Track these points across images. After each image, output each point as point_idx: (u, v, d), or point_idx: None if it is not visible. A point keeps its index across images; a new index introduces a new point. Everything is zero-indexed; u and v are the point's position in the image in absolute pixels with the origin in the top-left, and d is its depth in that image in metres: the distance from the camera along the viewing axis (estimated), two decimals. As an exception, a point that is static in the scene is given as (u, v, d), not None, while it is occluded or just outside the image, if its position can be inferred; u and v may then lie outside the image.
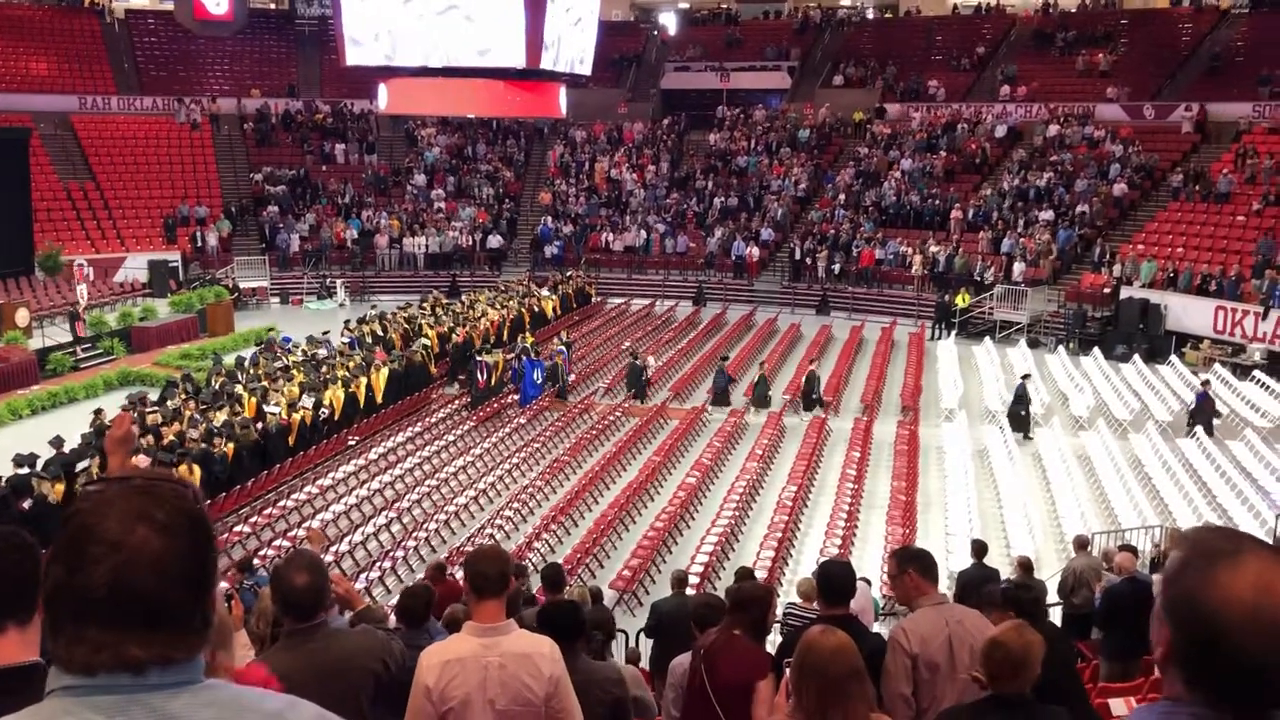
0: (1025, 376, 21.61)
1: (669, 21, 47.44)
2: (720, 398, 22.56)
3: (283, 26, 46.31)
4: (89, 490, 1.47)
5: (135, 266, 31.97)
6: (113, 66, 40.71)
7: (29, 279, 29.92)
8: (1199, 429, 19.47)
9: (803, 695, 3.22)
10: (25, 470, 14.86)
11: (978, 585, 8.19)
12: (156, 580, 1.39)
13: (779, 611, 9.87)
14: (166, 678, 1.41)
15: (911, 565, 4.66)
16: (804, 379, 22.52)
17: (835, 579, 4.86)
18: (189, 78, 41.48)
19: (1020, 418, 20.58)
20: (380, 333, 24.70)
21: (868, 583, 10.71)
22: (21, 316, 25.02)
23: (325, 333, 24.59)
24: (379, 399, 21.13)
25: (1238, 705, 1.34)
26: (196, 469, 15.64)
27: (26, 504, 13.97)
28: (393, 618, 5.17)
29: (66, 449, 16.04)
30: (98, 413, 18.04)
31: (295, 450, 18.24)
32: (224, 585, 9.81)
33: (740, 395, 22.97)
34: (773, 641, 7.19)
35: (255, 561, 12.26)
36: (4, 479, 14.58)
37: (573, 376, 24.09)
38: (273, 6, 47.95)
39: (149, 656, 1.39)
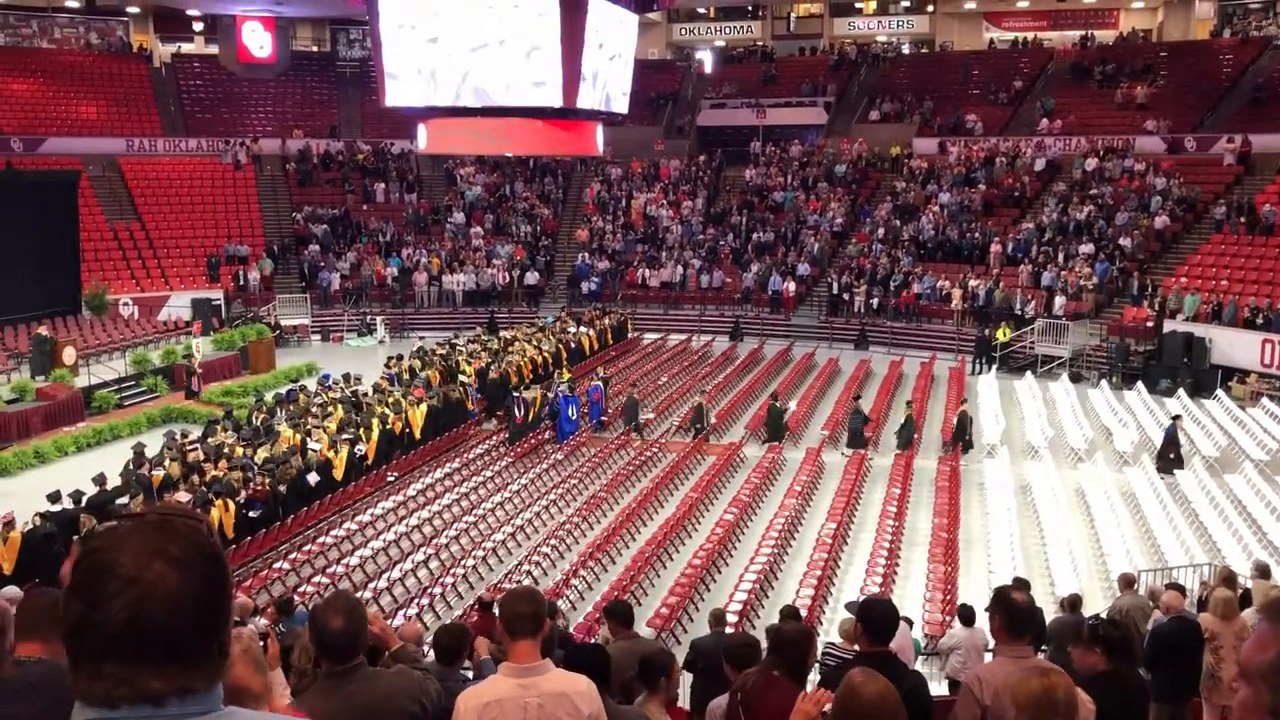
0: (1176, 418, 21.10)
1: (705, 59, 47.79)
2: (855, 439, 21.70)
3: (324, 68, 47.17)
4: (105, 527, 1.50)
5: (179, 305, 32.47)
6: (159, 109, 41.61)
7: (76, 318, 30.45)
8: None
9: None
10: (70, 506, 15.03)
11: (1069, 634, 8.01)
12: (173, 614, 1.41)
13: (818, 651, 9.73)
14: (186, 708, 1.43)
15: (1001, 612, 4.54)
16: (956, 420, 21.91)
17: (878, 617, 4.79)
18: (233, 119, 42.29)
19: (1170, 460, 19.88)
20: (419, 369, 24.85)
21: (909, 623, 10.57)
22: (69, 355, 25.42)
23: (358, 377, 24.38)
24: (417, 435, 21.23)
25: None
26: (231, 505, 15.75)
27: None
28: (430, 655, 5.15)
29: (108, 486, 16.21)
30: (138, 450, 18.23)
31: (334, 487, 18.34)
32: (262, 622, 9.84)
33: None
34: (812, 680, 7.09)
35: (295, 599, 12.27)
36: (46, 516, 14.73)
37: (610, 412, 24.11)
38: (315, 49, 48.85)
39: (168, 689, 1.41)
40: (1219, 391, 24.89)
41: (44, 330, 26.24)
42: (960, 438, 21.37)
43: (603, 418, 23.72)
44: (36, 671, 2.64)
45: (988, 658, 8.88)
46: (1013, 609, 4.48)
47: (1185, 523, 16.70)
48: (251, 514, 16.45)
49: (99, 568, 1.43)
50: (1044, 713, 3.37)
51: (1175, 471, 19.35)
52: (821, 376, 28.07)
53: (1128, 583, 10.91)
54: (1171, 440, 20.09)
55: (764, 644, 5.15)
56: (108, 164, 37.38)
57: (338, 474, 18.50)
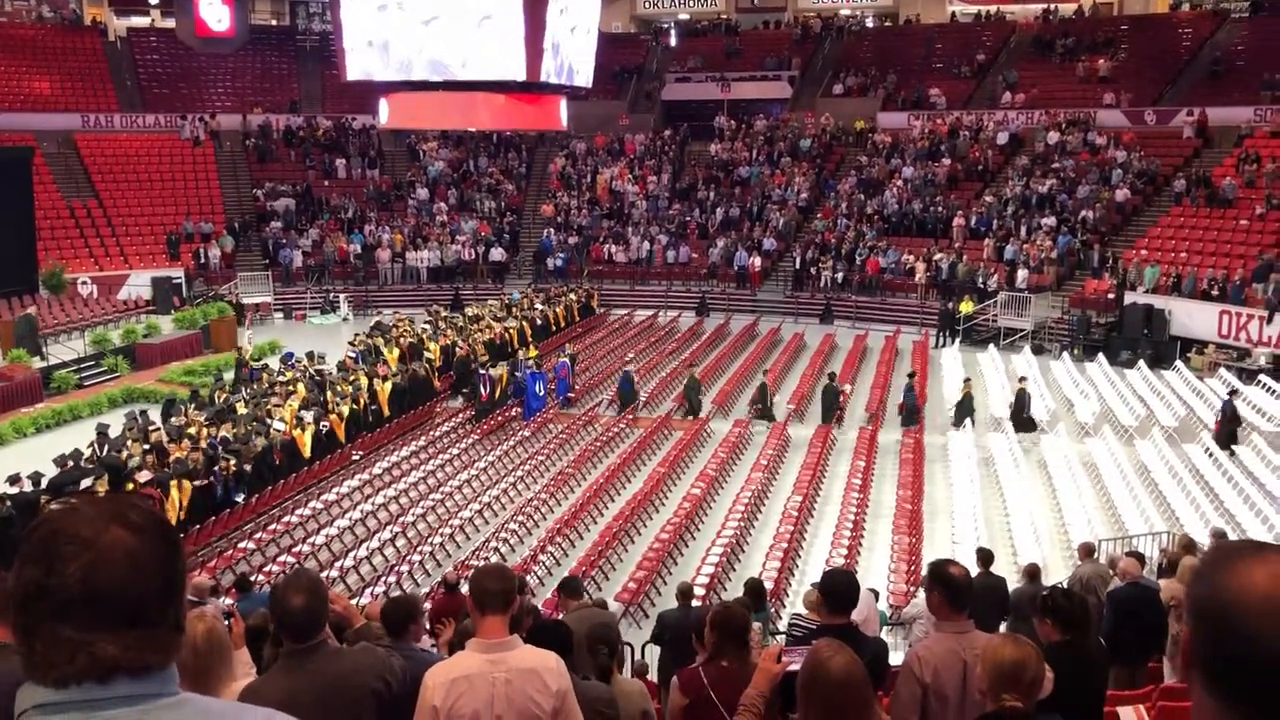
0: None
1: (669, 33, 47.56)
2: (910, 416, 21.52)
3: (284, 43, 46.49)
4: (59, 502, 1.50)
5: (139, 284, 32.03)
6: (115, 84, 40.87)
7: (33, 297, 29.97)
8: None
9: (809, 711, 3.19)
10: (29, 489, 14.84)
11: (1027, 604, 8.09)
12: (131, 576, 1.40)
13: (783, 623, 9.82)
14: (138, 689, 1.41)
15: (939, 587, 4.53)
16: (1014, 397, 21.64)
17: (838, 588, 4.82)
18: (191, 95, 41.63)
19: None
20: (381, 345, 24.68)
21: (875, 594, 10.67)
22: (25, 334, 25.05)
23: (322, 356, 24.19)
24: (385, 411, 21.13)
25: (1257, 706, 1.29)
26: (188, 485, 15.61)
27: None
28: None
29: (69, 466, 16.01)
30: (102, 431, 18.03)
31: (298, 466, 18.22)
32: (226, 601, 9.78)
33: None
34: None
35: (254, 577, 12.20)
36: (6, 499, 14.54)
37: (576, 388, 24.09)
38: (274, 23, 48.14)
39: (123, 656, 1.39)
40: (1178, 362, 25.23)
41: (31, 310, 26.06)
42: (1020, 415, 21.10)
43: (569, 394, 23.70)
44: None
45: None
46: (951, 582, 4.48)
47: (1145, 492, 16.95)
48: (237, 498, 16.43)
49: (54, 533, 1.42)
50: (1012, 683, 3.41)
51: (1137, 441, 19.63)
52: (787, 351, 28.18)
53: (1088, 551, 11.09)
54: (1231, 416, 19.77)
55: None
56: (63, 140, 36.69)
57: (304, 453, 18.38)
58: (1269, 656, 1.28)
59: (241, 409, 19.58)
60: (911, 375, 22.68)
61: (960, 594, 4.49)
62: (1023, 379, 22.08)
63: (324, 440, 19.12)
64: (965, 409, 21.37)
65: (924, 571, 11.80)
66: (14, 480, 14.99)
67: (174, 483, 15.37)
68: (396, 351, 24.27)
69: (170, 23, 44.95)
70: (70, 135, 37.13)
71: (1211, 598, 1.35)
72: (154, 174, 37.32)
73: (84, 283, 31.66)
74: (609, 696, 4.39)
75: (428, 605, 9.92)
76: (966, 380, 22.37)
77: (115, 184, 36.45)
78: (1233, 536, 13.31)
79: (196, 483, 15.94)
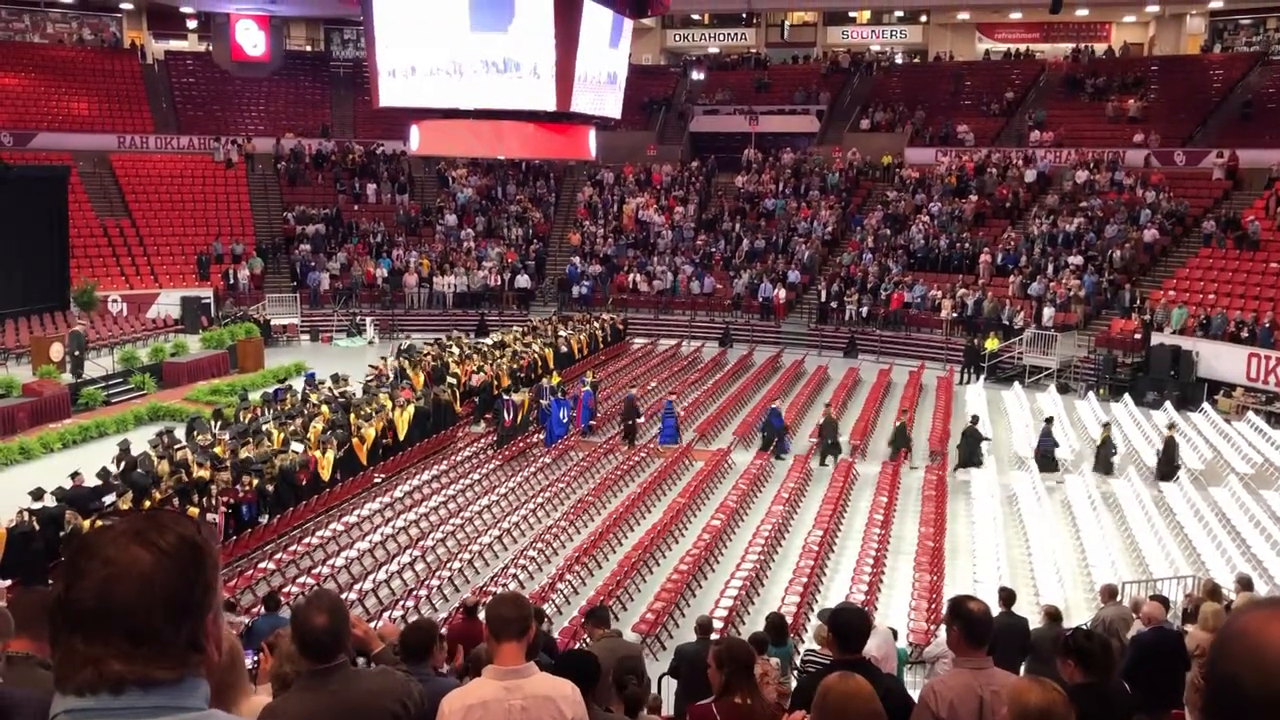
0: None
1: (699, 66, 47.83)
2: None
3: (318, 68, 47.11)
4: (103, 523, 1.56)
5: (168, 303, 32.38)
6: (151, 106, 41.51)
7: (64, 314, 30.35)
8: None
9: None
10: (53, 504, 14.97)
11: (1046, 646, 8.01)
12: (140, 595, 1.44)
13: (798, 659, 9.75)
14: (147, 700, 1.43)
15: (958, 623, 4.51)
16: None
17: (847, 624, 4.78)
18: (225, 118, 42.22)
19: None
20: (406, 370, 24.80)
21: (894, 633, 10.59)
22: (55, 351, 25.36)
23: (345, 378, 24.35)
24: (401, 436, 21.17)
25: None
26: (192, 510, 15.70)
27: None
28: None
29: (87, 484, 16.16)
30: (124, 448, 18.17)
31: (320, 488, 18.30)
32: (244, 621, 9.80)
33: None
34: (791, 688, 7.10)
35: (280, 597, 12.23)
36: (31, 513, 14.66)
37: (599, 416, 24.10)
38: (308, 49, 48.79)
39: (129, 674, 1.42)
40: (1205, 405, 25.00)
41: (79, 327, 26.44)
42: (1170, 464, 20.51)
43: (591, 422, 23.71)
44: (23, 669, 2.68)
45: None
46: (970, 618, 4.47)
47: (1170, 535, 16.77)
48: (260, 519, 16.51)
49: (83, 551, 1.48)
50: None
51: (1170, 481, 19.47)
52: (810, 384, 28.11)
53: (1110, 594, 10.97)
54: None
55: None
56: (99, 160, 37.28)
57: (324, 474, 18.45)
58: (1249, 698, 1.30)
59: (273, 429, 19.70)
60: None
61: (977, 629, 4.47)
62: (1171, 426, 21.82)
63: (346, 462, 19.19)
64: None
65: (944, 610, 11.70)
66: (38, 495, 15.13)
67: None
68: (421, 376, 24.37)
69: (206, 47, 45.70)
70: (106, 155, 37.72)
71: (1213, 645, 1.38)
72: (186, 195, 37.80)
73: (114, 301, 32.07)
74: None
75: (444, 630, 9.95)
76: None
77: (148, 204, 36.94)
78: (1259, 582, 13.14)
79: (229, 502, 16.06)
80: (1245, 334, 25.98)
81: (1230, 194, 33.11)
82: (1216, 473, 20.28)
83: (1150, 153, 35.75)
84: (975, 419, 21.63)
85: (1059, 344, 28.92)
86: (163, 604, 1.44)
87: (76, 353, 25.23)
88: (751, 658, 4.57)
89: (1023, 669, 9.04)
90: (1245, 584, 11.19)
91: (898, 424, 22.01)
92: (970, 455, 20.82)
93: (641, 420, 23.41)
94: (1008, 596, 10.41)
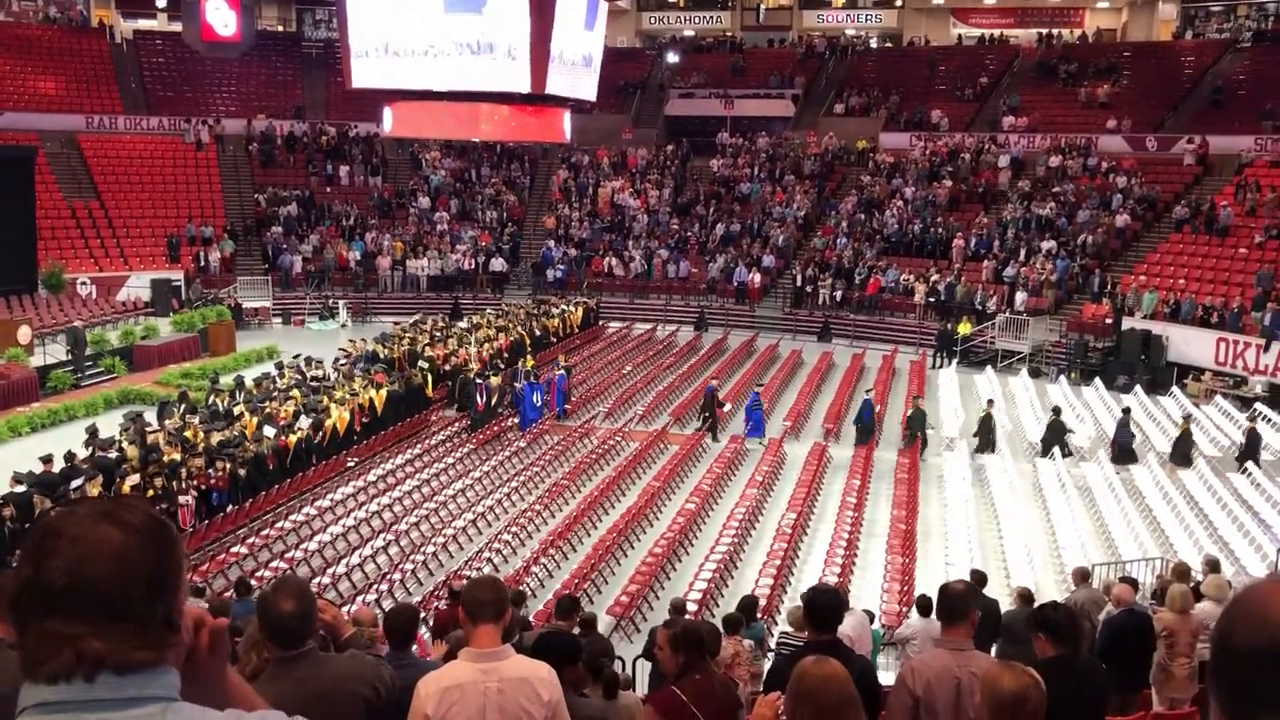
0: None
1: (674, 49, 47.72)
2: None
3: (290, 49, 46.61)
4: (62, 505, 1.54)
5: (138, 285, 32.04)
6: (120, 86, 40.96)
7: (32, 296, 29.96)
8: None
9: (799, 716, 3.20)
10: (22, 488, 14.82)
11: (1018, 627, 8.07)
12: (114, 571, 1.42)
13: (772, 641, 9.80)
14: (121, 689, 1.41)
15: (940, 603, 4.56)
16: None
17: (822, 606, 4.81)
18: (195, 98, 41.71)
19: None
20: (381, 353, 24.66)
21: (869, 615, 10.66)
22: (23, 334, 25.05)
23: (318, 361, 24.21)
24: (378, 412, 21.06)
25: (1237, 704, 1.37)
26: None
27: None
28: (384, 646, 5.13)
29: (55, 468, 16.00)
30: (92, 432, 17.98)
31: (292, 472, 18.18)
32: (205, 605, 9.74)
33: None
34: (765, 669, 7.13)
35: (252, 582, 12.17)
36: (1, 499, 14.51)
37: (573, 400, 24.08)
38: (280, 29, 48.30)
39: (109, 651, 1.40)
40: (1174, 388, 25.25)
41: (78, 323, 26.13)
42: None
43: (566, 406, 23.68)
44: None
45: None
46: (944, 592, 4.54)
47: (1139, 517, 16.95)
48: (230, 504, 16.39)
49: (46, 531, 1.46)
50: (1012, 715, 3.37)
51: (1131, 466, 19.64)
52: (785, 368, 28.18)
53: (1083, 576, 11.07)
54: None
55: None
56: (66, 141, 36.76)
57: (289, 460, 18.31)
58: (1238, 649, 1.37)
59: (244, 412, 19.56)
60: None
61: (951, 604, 4.52)
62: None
63: (318, 446, 19.08)
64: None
65: (916, 592, 11.79)
66: (19, 480, 15.00)
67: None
68: (393, 358, 24.25)
69: (177, 26, 45.13)
70: (74, 136, 37.20)
71: (1222, 619, 1.45)
72: (156, 176, 37.36)
73: (83, 283, 31.70)
74: (601, 715, 4.38)
75: (425, 614, 9.92)
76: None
77: (117, 185, 36.50)
78: (1226, 564, 13.31)
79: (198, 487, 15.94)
80: (1214, 319, 26.24)
81: (1200, 179, 33.39)
82: (1185, 455, 20.46)
83: (1122, 138, 35.99)
84: (1057, 410, 21.58)
85: (1031, 328, 29.13)
86: (136, 578, 1.43)
87: (74, 350, 24.98)
88: (703, 634, 4.60)
89: (994, 650, 9.12)
90: (1213, 565, 11.31)
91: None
92: (1052, 443, 20.47)
93: (727, 409, 23.09)
94: (979, 579, 10.50)
